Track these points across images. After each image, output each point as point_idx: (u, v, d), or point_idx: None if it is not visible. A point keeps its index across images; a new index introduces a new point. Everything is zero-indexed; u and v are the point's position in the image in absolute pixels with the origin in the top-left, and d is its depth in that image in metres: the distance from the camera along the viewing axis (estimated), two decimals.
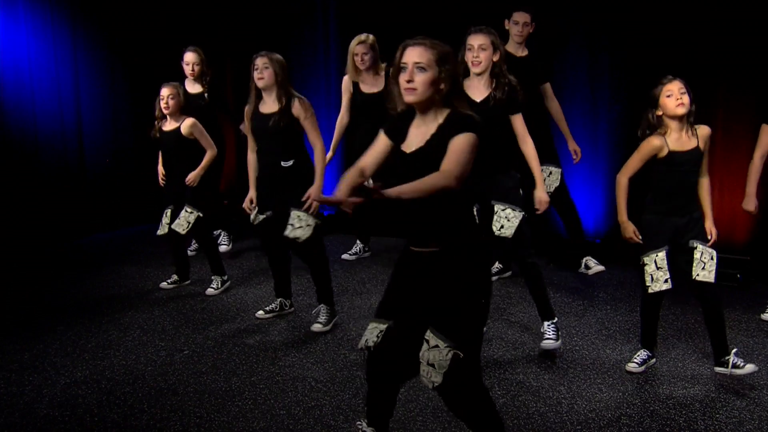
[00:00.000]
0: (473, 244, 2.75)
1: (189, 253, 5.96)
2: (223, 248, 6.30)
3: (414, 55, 2.66)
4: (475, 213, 2.83)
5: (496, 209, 4.14)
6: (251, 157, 4.76)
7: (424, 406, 3.59)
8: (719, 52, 5.54)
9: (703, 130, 3.85)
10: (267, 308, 4.95)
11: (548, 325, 4.24)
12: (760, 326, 4.67)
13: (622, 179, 3.94)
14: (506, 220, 4.13)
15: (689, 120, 3.81)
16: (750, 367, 3.80)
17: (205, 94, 6.04)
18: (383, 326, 2.85)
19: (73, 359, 4.25)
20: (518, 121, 4.11)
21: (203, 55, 6.00)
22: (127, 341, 4.52)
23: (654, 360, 4.08)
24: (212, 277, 5.44)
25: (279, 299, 4.96)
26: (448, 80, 2.69)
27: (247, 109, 4.67)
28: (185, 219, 5.25)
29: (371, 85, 5.58)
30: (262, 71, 4.52)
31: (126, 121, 7.64)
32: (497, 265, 5.63)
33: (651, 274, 3.88)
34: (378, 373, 2.97)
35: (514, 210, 4.13)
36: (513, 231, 4.12)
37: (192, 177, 5.25)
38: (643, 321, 4.05)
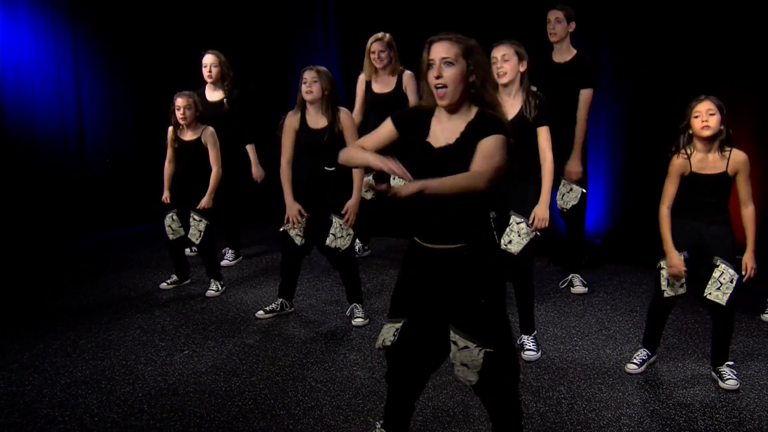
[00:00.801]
0: (490, 244, 2.77)
1: (188, 253, 5.95)
2: (224, 263, 6.10)
3: (440, 50, 2.64)
4: (491, 219, 2.83)
5: (511, 220, 4.11)
6: (287, 168, 4.66)
7: (424, 405, 3.59)
8: (720, 51, 5.53)
9: (737, 156, 3.69)
10: (267, 308, 4.95)
11: (528, 338, 4.27)
12: (760, 326, 4.66)
13: (663, 209, 3.80)
14: (517, 235, 4.10)
15: (720, 141, 3.70)
16: (732, 383, 3.78)
17: (225, 101, 5.81)
18: (398, 324, 2.86)
19: (73, 359, 4.25)
20: (544, 134, 4.05)
21: (223, 57, 5.82)
22: (127, 341, 4.52)
23: (654, 358, 4.08)
24: (211, 280, 5.44)
25: (280, 299, 4.97)
26: (477, 73, 2.66)
27: (292, 121, 4.62)
28: (196, 228, 5.24)
29: (383, 85, 5.57)
30: (311, 85, 4.51)
31: (127, 122, 7.65)
32: None
33: (668, 279, 3.84)
34: (398, 368, 2.97)
35: (529, 227, 4.09)
36: (520, 248, 4.09)
37: (203, 203, 5.18)
38: (649, 322, 4.04)
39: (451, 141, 2.68)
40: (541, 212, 4.07)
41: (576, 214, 5.26)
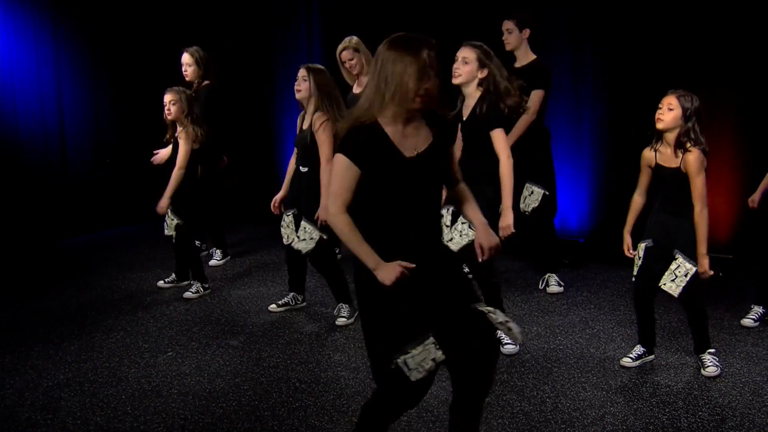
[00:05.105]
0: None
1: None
2: (213, 262, 6.10)
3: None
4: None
5: (459, 219, 4.08)
6: (291, 163, 4.84)
7: None
8: (702, 51, 5.56)
9: (688, 155, 3.68)
10: (280, 302, 5.02)
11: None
12: (742, 324, 4.70)
13: (634, 196, 4.03)
14: (459, 234, 4.08)
15: (677, 140, 3.71)
16: (711, 370, 3.90)
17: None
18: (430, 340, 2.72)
19: (55, 362, 4.21)
20: (497, 136, 3.99)
21: (198, 55, 5.71)
22: (111, 343, 4.49)
23: (652, 357, 4.13)
24: (192, 282, 5.39)
25: (292, 293, 5.04)
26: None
27: (299, 118, 4.77)
28: (170, 228, 5.21)
29: (360, 86, 5.51)
30: (300, 83, 4.53)
31: (109, 122, 7.58)
32: None
33: (636, 264, 4.00)
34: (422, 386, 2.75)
35: (471, 228, 4.00)
36: (458, 248, 4.05)
37: (161, 205, 5.04)
38: (636, 315, 4.12)
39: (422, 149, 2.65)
40: (505, 220, 3.98)
41: (539, 217, 5.19)
